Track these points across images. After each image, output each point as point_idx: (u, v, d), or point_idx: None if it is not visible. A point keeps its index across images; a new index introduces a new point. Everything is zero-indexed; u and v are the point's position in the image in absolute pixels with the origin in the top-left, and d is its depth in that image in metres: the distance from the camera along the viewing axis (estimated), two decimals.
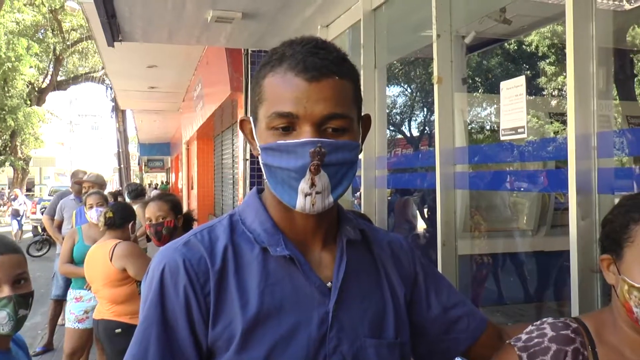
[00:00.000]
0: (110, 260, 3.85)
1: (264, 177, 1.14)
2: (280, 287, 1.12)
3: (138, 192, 7.93)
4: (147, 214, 3.41)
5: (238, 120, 1.23)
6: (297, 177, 1.06)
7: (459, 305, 1.35)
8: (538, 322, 1.32)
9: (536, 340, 1.27)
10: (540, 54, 10.95)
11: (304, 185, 1.06)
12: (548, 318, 1.33)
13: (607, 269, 1.30)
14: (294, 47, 1.10)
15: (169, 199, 3.55)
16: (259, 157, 1.13)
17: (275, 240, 1.15)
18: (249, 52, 7.00)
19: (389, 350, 1.19)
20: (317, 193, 1.07)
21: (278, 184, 1.10)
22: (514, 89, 2.66)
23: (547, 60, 11.30)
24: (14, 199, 20.65)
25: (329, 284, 1.16)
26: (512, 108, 2.65)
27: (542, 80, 11.23)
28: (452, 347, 1.34)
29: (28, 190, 35.42)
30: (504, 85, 2.71)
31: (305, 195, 1.07)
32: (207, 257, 1.12)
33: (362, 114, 1.20)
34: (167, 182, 32.36)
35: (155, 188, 24.91)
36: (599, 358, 1.26)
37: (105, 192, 6.46)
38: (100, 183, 6.53)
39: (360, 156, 4.13)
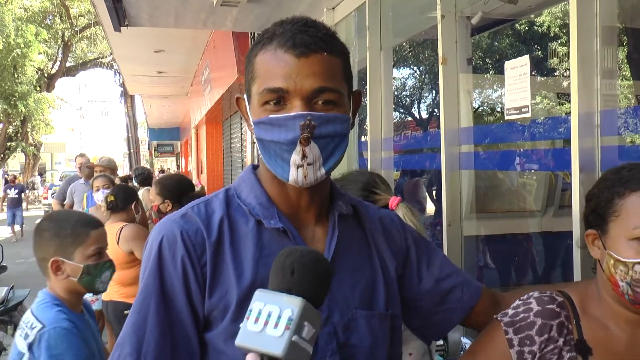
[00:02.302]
0: (118, 242, 3.90)
1: (258, 152, 1.18)
2: (273, 259, 1.15)
3: (145, 177, 7.99)
4: (151, 196, 3.44)
5: (234, 98, 1.26)
6: (288, 150, 1.10)
7: (452, 276, 1.37)
8: (525, 297, 1.34)
9: (522, 315, 1.29)
10: (552, 34, 10.84)
11: (295, 157, 1.10)
12: (535, 292, 1.34)
13: (591, 244, 1.32)
14: (284, 26, 1.13)
15: (167, 182, 3.58)
16: (253, 133, 1.17)
17: (269, 213, 1.18)
18: (256, 35, 6.99)
19: (380, 321, 1.22)
20: (308, 164, 1.10)
21: (271, 158, 1.14)
22: (518, 69, 2.66)
23: (559, 41, 11.19)
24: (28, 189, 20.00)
25: None
26: (516, 87, 2.65)
27: (554, 61, 11.14)
28: (448, 318, 1.37)
29: (40, 175, 35.71)
30: (508, 65, 2.71)
31: (297, 167, 1.10)
32: (204, 229, 1.16)
33: (354, 89, 1.23)
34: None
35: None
36: (583, 331, 1.28)
37: (116, 178, 6.53)
38: (112, 167, 6.62)
39: (367, 138, 4.16)
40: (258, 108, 1.13)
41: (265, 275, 1.12)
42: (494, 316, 1.33)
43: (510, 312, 1.32)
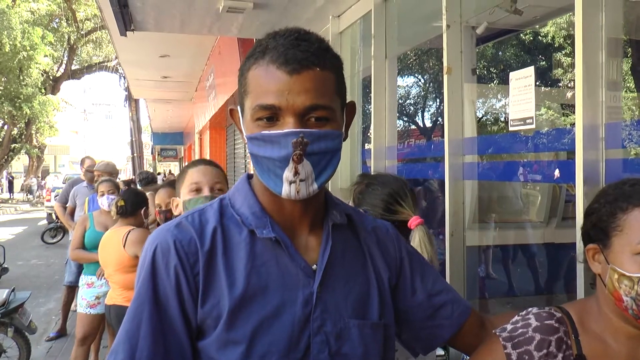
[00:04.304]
0: (124, 246, 3.90)
1: (251, 164, 1.19)
2: (266, 269, 1.16)
3: (149, 181, 8.00)
4: (157, 200, 3.40)
5: (228, 110, 1.26)
6: (281, 166, 1.10)
7: (443, 292, 1.37)
8: (524, 312, 1.34)
9: (521, 330, 1.29)
10: (556, 44, 10.85)
11: (288, 174, 1.10)
12: (533, 308, 1.34)
13: (592, 259, 1.31)
14: (277, 40, 1.12)
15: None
16: (246, 146, 1.17)
17: (262, 223, 1.19)
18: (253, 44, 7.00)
19: (373, 330, 1.22)
20: (301, 181, 1.11)
21: (264, 172, 1.14)
22: (522, 80, 2.66)
23: (563, 52, 11.19)
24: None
25: (314, 267, 1.20)
26: (521, 99, 2.65)
27: (558, 71, 11.14)
28: (437, 334, 1.37)
29: (43, 178, 35.80)
30: (513, 75, 2.71)
31: (290, 183, 1.11)
32: (197, 239, 1.16)
33: (348, 101, 1.23)
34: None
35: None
36: (582, 346, 1.27)
37: (118, 181, 6.50)
38: (109, 171, 6.50)
39: (370, 146, 4.16)
40: (251, 123, 1.13)
41: (257, 285, 1.14)
42: (493, 331, 1.33)
43: (509, 327, 1.32)
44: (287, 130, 1.08)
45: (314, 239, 1.24)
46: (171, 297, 1.13)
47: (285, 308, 1.14)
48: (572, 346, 1.27)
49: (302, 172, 1.10)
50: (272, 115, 1.10)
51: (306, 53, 1.10)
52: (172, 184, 3.55)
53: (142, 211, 4.27)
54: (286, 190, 1.11)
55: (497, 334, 1.31)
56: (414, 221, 1.90)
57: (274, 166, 1.11)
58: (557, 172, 2.99)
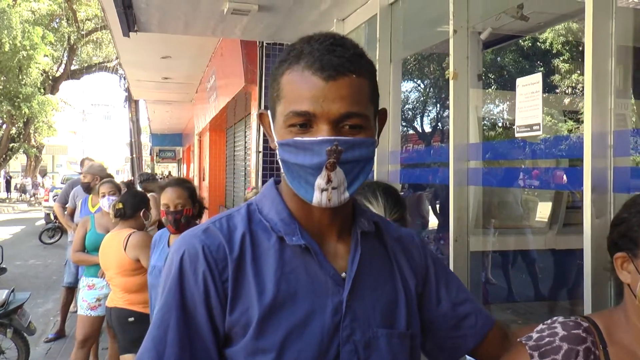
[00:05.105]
0: (125, 249, 3.88)
1: (281, 170, 1.16)
2: (295, 276, 1.15)
3: (149, 183, 7.96)
4: (163, 199, 3.31)
5: (257, 114, 1.25)
6: (313, 174, 1.08)
7: (467, 302, 1.36)
8: (549, 321, 1.32)
9: (547, 339, 1.27)
10: (554, 51, 10.85)
11: (320, 181, 1.08)
12: (559, 317, 1.33)
13: (620, 268, 1.30)
14: (312, 44, 1.10)
15: (188, 185, 3.48)
16: (277, 152, 1.15)
17: (291, 230, 1.17)
18: (264, 44, 7.00)
19: (400, 340, 1.21)
20: (333, 188, 1.09)
21: (295, 179, 1.12)
22: (529, 86, 2.65)
23: (562, 58, 11.19)
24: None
25: (343, 274, 1.18)
26: (527, 105, 2.64)
27: (557, 77, 11.14)
28: (461, 344, 1.35)
29: (43, 177, 35.78)
30: (519, 82, 2.70)
31: (322, 191, 1.09)
32: (226, 245, 1.15)
33: (380, 108, 1.21)
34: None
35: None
36: (610, 357, 1.26)
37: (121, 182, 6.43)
38: (93, 173, 6.28)
39: None
40: (283, 129, 1.11)
41: (287, 292, 1.12)
42: (518, 339, 1.32)
43: (535, 335, 1.30)
44: (322, 138, 1.06)
45: (343, 246, 1.22)
46: (199, 304, 1.11)
47: (315, 316, 1.13)
48: (600, 357, 1.25)
49: (335, 180, 1.08)
50: (305, 122, 1.08)
51: (342, 59, 1.08)
52: (180, 183, 3.48)
53: (142, 213, 4.23)
54: (317, 198, 1.10)
55: (524, 342, 1.30)
56: None
57: (305, 173, 1.09)
58: (562, 179, 2.98)
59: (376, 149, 1.19)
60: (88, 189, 6.27)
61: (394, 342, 1.19)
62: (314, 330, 1.12)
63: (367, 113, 1.12)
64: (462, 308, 1.34)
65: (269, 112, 1.19)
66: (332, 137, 1.06)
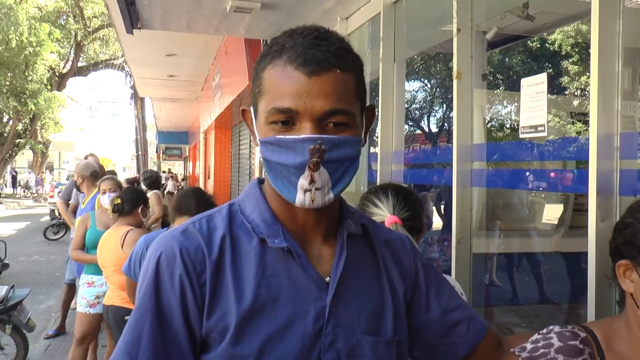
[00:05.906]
0: (122, 247, 3.86)
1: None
2: (276, 280, 1.10)
3: (153, 180, 7.94)
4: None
5: (240, 110, 1.20)
6: (296, 173, 1.03)
7: (459, 309, 1.30)
8: (544, 331, 1.27)
9: (542, 350, 1.22)
10: (563, 52, 10.78)
11: (303, 182, 1.04)
12: (555, 326, 1.27)
13: (623, 276, 1.24)
14: (295, 38, 1.05)
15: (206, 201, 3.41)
16: (258, 150, 1.10)
17: (273, 232, 1.12)
18: (268, 42, 6.97)
19: (386, 347, 1.16)
20: (316, 189, 1.04)
21: (277, 179, 1.08)
22: (534, 87, 2.60)
23: (570, 60, 11.13)
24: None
25: (327, 279, 1.13)
26: (532, 106, 2.60)
27: (565, 79, 11.07)
28: (451, 352, 1.30)
29: (50, 173, 35.95)
30: (524, 82, 2.65)
31: (305, 191, 1.04)
32: (205, 247, 1.10)
33: (368, 104, 1.16)
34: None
35: (172, 177, 24.65)
36: None
37: (121, 179, 6.42)
38: (78, 172, 6.13)
39: (377, 150, 4.11)
40: (265, 126, 1.06)
41: (267, 297, 1.07)
42: (511, 350, 1.27)
43: (529, 346, 1.25)
44: (304, 136, 1.02)
45: (328, 249, 1.17)
46: (175, 308, 1.06)
47: (296, 322, 1.08)
48: None
49: (318, 181, 1.03)
50: (288, 119, 1.03)
51: (326, 53, 1.03)
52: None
53: (140, 209, 4.21)
54: (300, 198, 1.05)
55: (517, 353, 1.25)
56: (388, 220, 1.91)
57: (288, 173, 1.04)
58: (567, 181, 2.94)
59: (379, 149, 1.14)
60: (77, 187, 6.31)
61: (380, 350, 1.14)
62: (295, 336, 1.07)
63: (353, 110, 1.06)
64: (452, 315, 1.28)
65: (251, 108, 1.14)
66: (315, 136, 1.01)
